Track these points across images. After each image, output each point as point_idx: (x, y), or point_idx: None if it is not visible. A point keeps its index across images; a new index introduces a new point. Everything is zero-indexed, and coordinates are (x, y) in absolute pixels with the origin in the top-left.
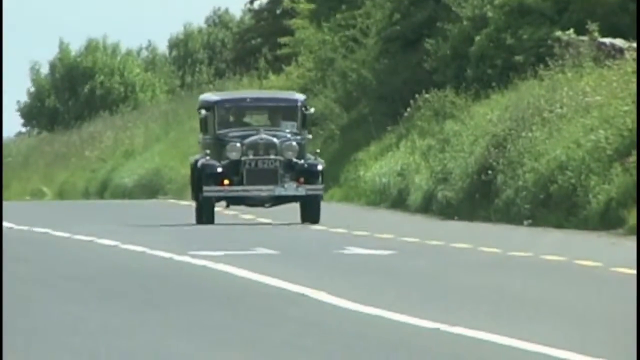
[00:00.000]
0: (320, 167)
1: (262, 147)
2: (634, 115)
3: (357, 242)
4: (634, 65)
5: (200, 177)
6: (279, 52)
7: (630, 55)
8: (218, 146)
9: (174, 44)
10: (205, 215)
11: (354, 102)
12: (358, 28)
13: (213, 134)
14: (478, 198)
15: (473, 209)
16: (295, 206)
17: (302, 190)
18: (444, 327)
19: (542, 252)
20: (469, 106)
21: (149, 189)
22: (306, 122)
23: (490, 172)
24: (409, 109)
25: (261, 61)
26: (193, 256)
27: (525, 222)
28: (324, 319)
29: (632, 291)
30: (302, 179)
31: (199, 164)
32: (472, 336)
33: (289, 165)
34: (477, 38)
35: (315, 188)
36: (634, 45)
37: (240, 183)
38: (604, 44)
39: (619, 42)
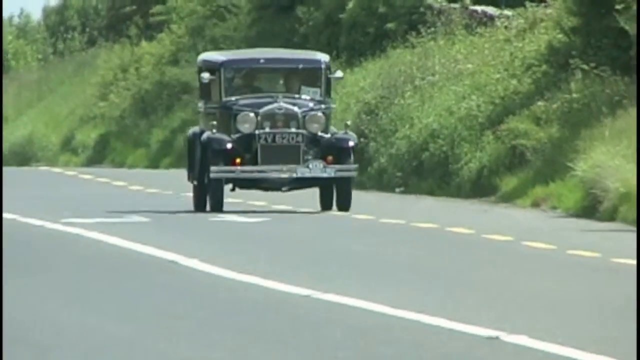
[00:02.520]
0: (352, 143)
1: (280, 118)
2: (506, 83)
3: (231, 209)
4: (506, 32)
5: (205, 154)
6: (151, 19)
7: (502, 23)
8: (225, 117)
9: (49, 12)
10: (212, 200)
11: None
12: None
13: (219, 102)
14: None
15: None
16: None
17: (330, 171)
18: (316, 293)
19: (414, 220)
20: None
21: (22, 156)
22: (330, 88)
23: (362, 139)
24: None
25: (132, 29)
26: (66, 224)
27: (397, 190)
28: (195, 286)
29: (504, 257)
30: (330, 158)
31: (205, 137)
32: (343, 303)
33: (314, 141)
34: (349, 5)
35: (347, 168)
36: (506, 12)
37: (254, 162)
38: (475, 11)
39: (491, 9)
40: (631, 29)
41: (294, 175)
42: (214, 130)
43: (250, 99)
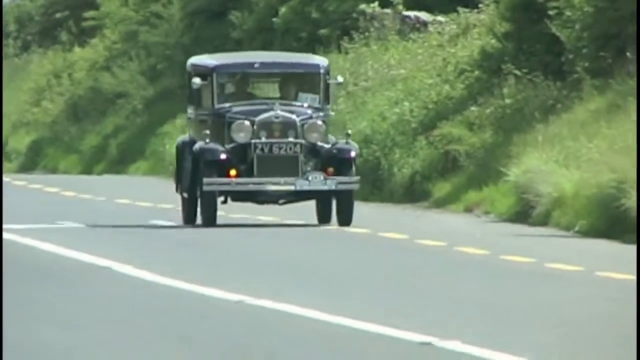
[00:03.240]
0: (353, 154)
1: (278, 127)
2: (439, 88)
3: (163, 216)
4: (439, 38)
5: (197, 165)
6: (83, 24)
7: (435, 29)
8: (218, 125)
9: None
10: (205, 214)
11: (159, 75)
12: (161, 3)
13: (211, 109)
14: None
15: None
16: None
17: (331, 184)
18: (248, 299)
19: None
20: None
21: None
22: (329, 95)
23: None
24: None
25: (63, 34)
26: None
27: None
28: (130, 293)
29: (437, 262)
30: (330, 169)
31: (197, 147)
32: (277, 309)
33: (313, 151)
34: (282, 11)
35: (349, 181)
36: (438, 18)
37: (250, 173)
38: (408, 17)
39: (424, 15)
40: (562, 34)
41: (293, 187)
42: (207, 140)
43: (244, 106)
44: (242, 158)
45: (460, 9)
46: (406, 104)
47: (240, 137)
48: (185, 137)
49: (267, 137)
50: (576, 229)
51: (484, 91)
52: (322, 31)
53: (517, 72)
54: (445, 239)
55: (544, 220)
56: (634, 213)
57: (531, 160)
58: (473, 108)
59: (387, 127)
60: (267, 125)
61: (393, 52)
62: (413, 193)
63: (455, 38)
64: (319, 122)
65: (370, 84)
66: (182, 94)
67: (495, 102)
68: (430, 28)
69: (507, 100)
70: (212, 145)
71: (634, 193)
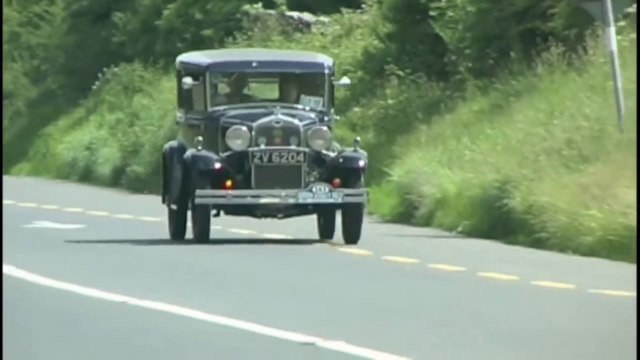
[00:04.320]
0: (362, 163)
1: (278, 134)
2: None
3: (46, 216)
4: (322, 39)
5: (188, 174)
6: None
7: (318, 29)
8: (212, 130)
9: None
10: (197, 228)
11: (43, 76)
12: (44, 4)
13: (204, 112)
14: None
15: None
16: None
17: (337, 196)
18: (131, 300)
19: (231, 226)
20: (157, 80)
21: None
22: (334, 97)
23: None
24: (97, 83)
25: None
26: None
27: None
28: (7, 294)
29: (321, 263)
30: (336, 180)
31: (189, 155)
32: (159, 309)
33: (318, 160)
34: (166, 12)
35: (356, 193)
36: (322, 18)
37: (247, 184)
38: (291, 17)
39: (307, 16)
40: (445, 35)
41: (295, 200)
42: (200, 147)
43: (241, 109)
44: (238, 167)
45: (344, 10)
46: None
47: (237, 144)
48: (173, 143)
49: (266, 144)
50: (459, 229)
51: (366, 92)
52: (206, 32)
53: (400, 73)
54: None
55: (427, 221)
56: (516, 213)
57: (414, 160)
58: (356, 109)
59: None
60: (266, 131)
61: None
62: None
63: (338, 39)
64: (324, 128)
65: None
66: (66, 95)
67: (378, 103)
68: (314, 29)
69: (390, 101)
70: (205, 153)
71: (517, 193)
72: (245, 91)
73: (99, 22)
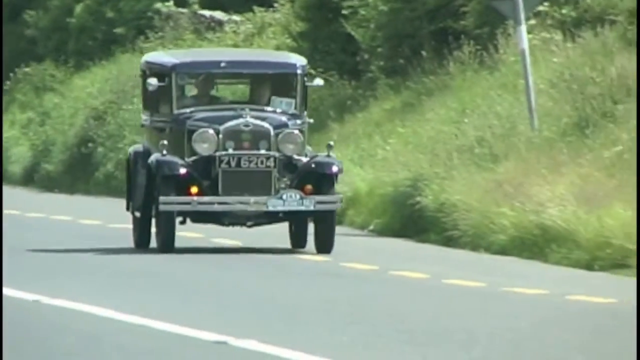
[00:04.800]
0: (335, 169)
1: (247, 137)
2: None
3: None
4: (234, 37)
5: (152, 180)
6: None
7: (230, 28)
8: (178, 134)
9: None
10: (162, 237)
11: None
12: None
13: (170, 115)
14: (78, 171)
15: (73, 182)
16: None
17: (309, 204)
18: (44, 299)
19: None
20: (69, 79)
21: None
22: (307, 99)
23: (90, 144)
24: (8, 83)
25: None
26: None
27: None
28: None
29: (234, 262)
30: (308, 186)
31: (153, 160)
32: (73, 308)
33: (289, 165)
34: (77, 10)
35: (329, 200)
36: (234, 17)
37: (214, 191)
38: (204, 16)
39: (219, 14)
40: (357, 34)
41: (264, 208)
42: (164, 152)
43: (208, 111)
44: (205, 173)
45: (256, 9)
46: None
47: (203, 148)
48: (138, 146)
49: (234, 149)
50: (371, 227)
51: None
52: (118, 30)
53: (312, 72)
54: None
55: (339, 219)
56: (428, 211)
57: None
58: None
59: None
60: (234, 135)
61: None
62: None
63: (250, 37)
64: (296, 132)
65: None
66: None
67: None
68: (226, 27)
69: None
70: (170, 158)
71: (428, 191)
72: (214, 93)
73: (10, 20)
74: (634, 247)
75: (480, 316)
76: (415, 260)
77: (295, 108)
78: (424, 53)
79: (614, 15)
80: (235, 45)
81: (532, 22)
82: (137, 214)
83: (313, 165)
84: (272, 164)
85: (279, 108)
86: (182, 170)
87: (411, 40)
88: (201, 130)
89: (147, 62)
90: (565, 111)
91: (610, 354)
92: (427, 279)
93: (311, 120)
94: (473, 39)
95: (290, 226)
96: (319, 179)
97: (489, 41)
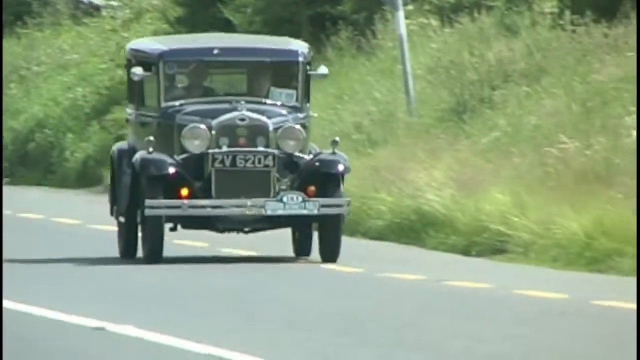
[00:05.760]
0: (341, 167)
1: (243, 133)
2: (112, 73)
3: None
4: (112, 22)
5: (137, 181)
6: None
7: (108, 13)
8: (166, 129)
9: None
10: (148, 244)
11: None
12: None
13: (157, 108)
14: None
15: None
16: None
17: (312, 207)
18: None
19: (19, 210)
20: None
21: None
22: (309, 90)
23: None
24: None
25: None
26: None
27: (4, 180)
28: None
29: (107, 247)
30: (311, 188)
31: (138, 159)
32: None
33: (290, 164)
34: None
35: (335, 203)
36: (111, 2)
37: (207, 193)
38: (81, 2)
39: (97, 0)
40: (235, 19)
41: (263, 212)
42: (151, 149)
43: (200, 104)
44: (196, 173)
45: None
46: (79, 89)
47: (194, 145)
48: (122, 144)
49: (229, 146)
50: None
51: None
52: None
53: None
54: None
55: None
56: None
57: None
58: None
59: (60, 112)
60: (229, 130)
61: (66, 37)
62: (86, 178)
63: (128, 23)
64: (297, 126)
65: (44, 68)
66: None
67: None
68: (104, 13)
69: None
70: (158, 156)
71: None
72: (206, 83)
73: None
74: (510, 231)
75: (359, 301)
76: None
77: (297, 100)
78: (301, 38)
79: (491, 0)
80: (114, 31)
81: (410, 7)
82: (122, 219)
83: (317, 164)
84: (270, 163)
85: (279, 100)
86: (171, 170)
87: (289, 25)
88: (192, 125)
89: (132, 50)
90: (443, 97)
91: (487, 339)
92: (307, 265)
93: (315, 114)
94: (351, 24)
95: (293, 232)
96: (323, 179)
97: (367, 27)
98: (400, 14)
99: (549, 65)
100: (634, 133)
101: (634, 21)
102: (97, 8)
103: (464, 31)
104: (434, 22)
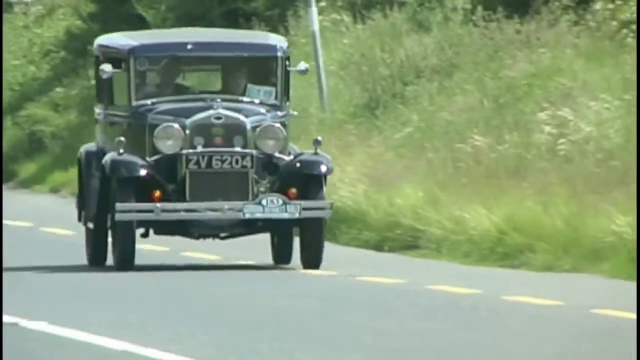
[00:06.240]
0: (324, 169)
1: (219, 132)
2: (25, 69)
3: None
4: (24, 19)
5: (107, 184)
6: None
7: (20, 9)
8: (137, 129)
9: None
10: (119, 251)
11: None
12: None
13: (127, 107)
14: None
15: None
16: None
17: (294, 210)
18: None
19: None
20: None
21: None
22: (289, 87)
23: None
24: None
25: None
26: None
27: None
28: None
29: (23, 243)
30: (292, 190)
31: (107, 160)
32: None
33: (269, 165)
34: None
35: (317, 206)
36: (25, 0)
37: (180, 196)
38: None
39: None
40: (148, 15)
41: (241, 215)
42: (121, 150)
43: (173, 103)
44: (169, 175)
45: None
46: None
47: (167, 145)
48: (90, 145)
49: (204, 146)
50: None
51: (69, 72)
52: None
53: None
54: (32, 220)
55: None
56: None
57: None
58: (58, 89)
59: None
60: (204, 129)
61: None
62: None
63: (40, 19)
64: (277, 125)
65: None
66: None
67: (81, 83)
68: (16, 9)
69: (93, 82)
70: (128, 157)
71: None
72: (179, 80)
73: None
74: (423, 227)
75: (270, 297)
76: (205, 243)
77: (276, 98)
78: None
79: None
80: (26, 27)
81: (323, 3)
82: (90, 225)
83: (298, 165)
84: (249, 164)
85: (257, 98)
86: (143, 172)
87: (202, 22)
88: (165, 124)
89: (100, 46)
90: (356, 93)
91: (399, 335)
92: (216, 261)
93: (295, 113)
94: (264, 20)
95: (272, 237)
96: (305, 180)
97: (280, 23)
98: (313, 10)
99: (461, 61)
100: (546, 129)
101: (546, 17)
102: (10, 4)
103: (376, 27)
104: (347, 18)
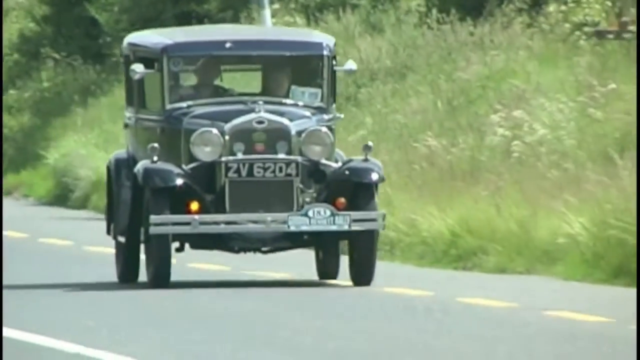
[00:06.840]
0: (375, 177)
1: (261, 138)
2: None
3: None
4: None
5: (140, 194)
6: None
7: None
8: (172, 135)
9: None
10: (154, 266)
11: None
12: None
13: (161, 111)
14: None
15: None
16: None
17: (343, 222)
18: None
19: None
20: None
21: None
22: (336, 88)
23: None
24: None
25: None
26: None
27: None
28: None
29: None
30: (341, 199)
31: (140, 169)
32: None
33: (316, 173)
34: None
35: (368, 217)
36: None
37: (220, 207)
38: None
39: None
40: (101, 18)
41: (285, 228)
42: (155, 158)
43: (211, 106)
44: (207, 184)
45: None
46: None
47: (205, 152)
48: (121, 152)
49: (245, 153)
50: None
51: (22, 74)
52: None
53: (56, 56)
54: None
55: (82, 204)
56: None
57: (70, 143)
58: (12, 91)
59: None
60: (245, 135)
61: None
62: None
63: None
64: (324, 129)
65: None
66: None
67: (34, 86)
68: None
69: (46, 84)
70: (162, 166)
71: None
72: (217, 82)
73: None
74: None
75: (213, 298)
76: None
77: (322, 100)
78: None
79: None
80: None
81: (276, 6)
82: (121, 239)
83: (346, 172)
84: (293, 172)
85: (301, 100)
86: (178, 181)
87: (155, 24)
88: (202, 129)
89: (130, 45)
90: None
91: (347, 336)
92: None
93: (341, 116)
94: (217, 22)
95: (317, 251)
96: (354, 190)
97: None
98: (267, 12)
99: (415, 64)
100: (499, 131)
101: (499, 19)
102: None
103: (330, 30)
104: (300, 20)
